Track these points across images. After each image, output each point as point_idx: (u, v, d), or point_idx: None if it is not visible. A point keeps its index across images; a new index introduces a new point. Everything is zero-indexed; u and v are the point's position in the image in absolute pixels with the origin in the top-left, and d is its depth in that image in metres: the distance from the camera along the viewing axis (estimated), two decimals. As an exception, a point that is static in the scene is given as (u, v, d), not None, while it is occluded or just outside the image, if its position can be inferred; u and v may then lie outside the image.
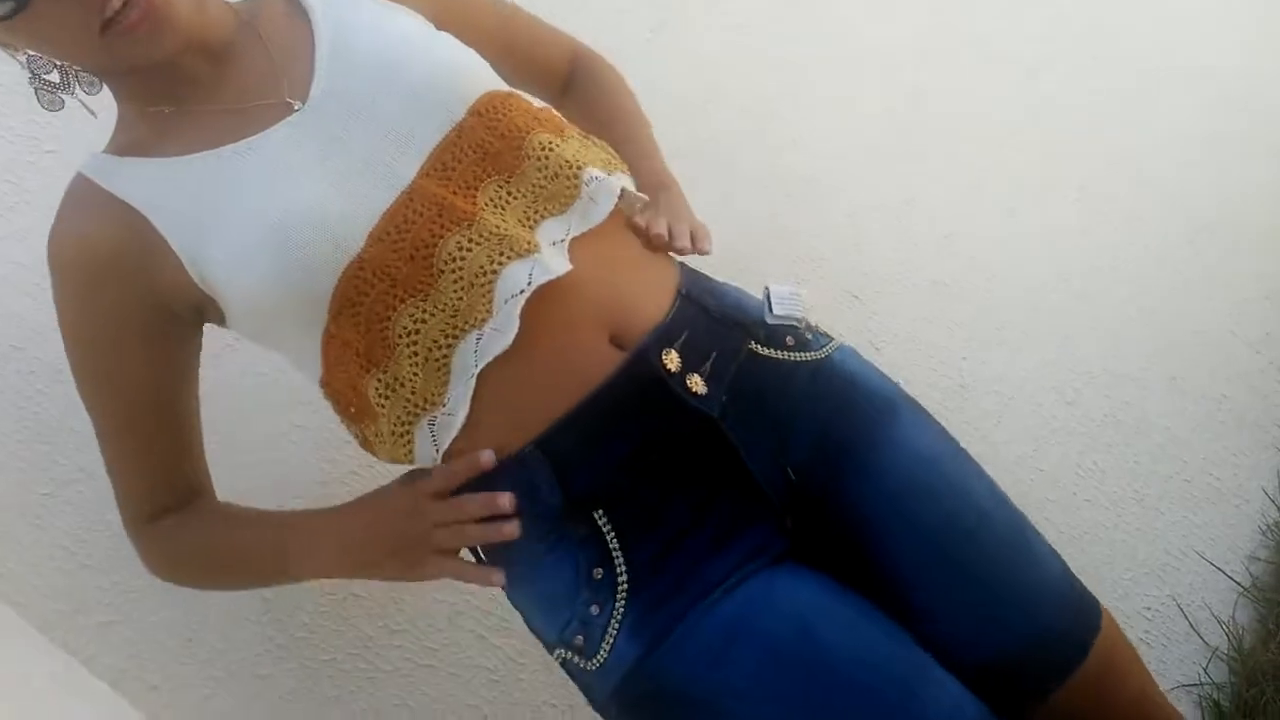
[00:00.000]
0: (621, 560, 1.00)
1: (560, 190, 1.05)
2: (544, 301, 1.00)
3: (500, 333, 0.99)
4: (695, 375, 1.03)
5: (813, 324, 1.12)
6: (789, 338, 1.10)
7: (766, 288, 1.09)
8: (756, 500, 1.03)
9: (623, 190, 1.09)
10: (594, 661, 1.00)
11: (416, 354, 1.00)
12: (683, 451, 1.02)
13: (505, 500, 1.01)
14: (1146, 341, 2.19)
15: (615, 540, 1.00)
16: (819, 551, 1.06)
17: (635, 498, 1.01)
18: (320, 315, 1.01)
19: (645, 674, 0.98)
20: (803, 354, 1.09)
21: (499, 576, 1.04)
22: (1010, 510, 1.11)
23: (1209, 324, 2.26)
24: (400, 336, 1.00)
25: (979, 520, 1.07)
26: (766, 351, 1.08)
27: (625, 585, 0.99)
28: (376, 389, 1.02)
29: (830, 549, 1.06)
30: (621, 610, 0.99)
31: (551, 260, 1.01)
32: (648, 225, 1.09)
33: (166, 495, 1.12)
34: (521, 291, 0.99)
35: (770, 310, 1.08)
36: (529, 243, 1.01)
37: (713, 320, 1.07)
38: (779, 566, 1.02)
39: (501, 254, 1.00)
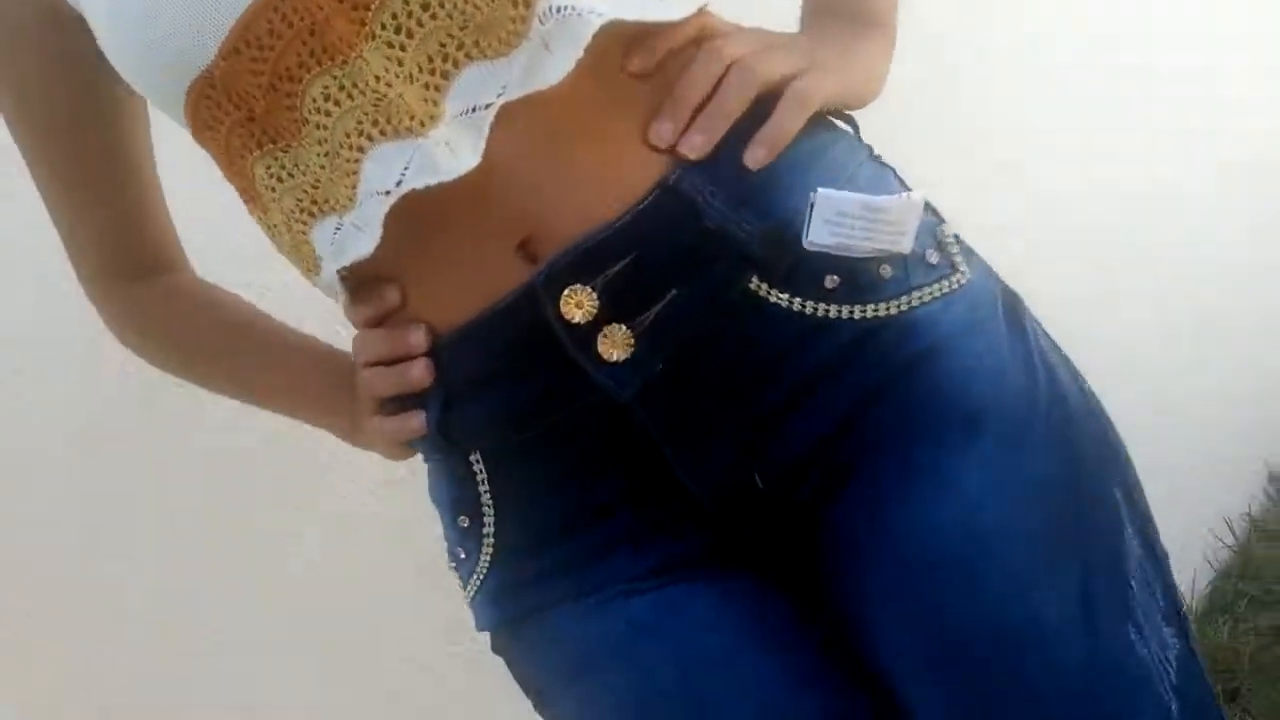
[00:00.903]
0: (491, 522, 0.79)
1: (498, 20, 0.67)
2: (435, 191, 0.68)
3: (360, 232, 0.70)
4: (618, 328, 0.70)
5: (906, 250, 0.73)
6: (832, 276, 0.72)
7: (813, 194, 0.71)
8: (686, 509, 0.75)
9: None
10: (465, 595, 0.83)
11: (280, 214, 0.75)
12: (581, 431, 0.73)
13: (416, 338, 0.76)
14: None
15: (489, 496, 0.78)
16: (797, 564, 0.77)
17: (521, 463, 0.77)
18: (183, 122, 0.75)
19: (501, 641, 0.82)
20: (849, 306, 0.72)
21: (417, 420, 0.79)
22: (1109, 644, 0.71)
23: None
24: (261, 189, 0.74)
25: (1020, 645, 0.71)
26: (776, 297, 0.71)
27: (490, 548, 0.79)
28: (260, 220, 0.79)
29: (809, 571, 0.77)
30: (483, 573, 0.80)
31: (441, 151, 0.67)
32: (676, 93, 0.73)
33: (125, 252, 0.92)
34: (388, 192, 0.68)
35: (807, 231, 0.70)
36: (414, 115, 0.67)
37: (701, 234, 0.70)
38: (696, 585, 0.76)
39: (375, 124, 0.68)
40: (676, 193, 0.70)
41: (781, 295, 0.71)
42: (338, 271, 0.74)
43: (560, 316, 0.70)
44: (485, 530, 0.78)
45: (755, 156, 0.71)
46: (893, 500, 0.72)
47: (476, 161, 0.67)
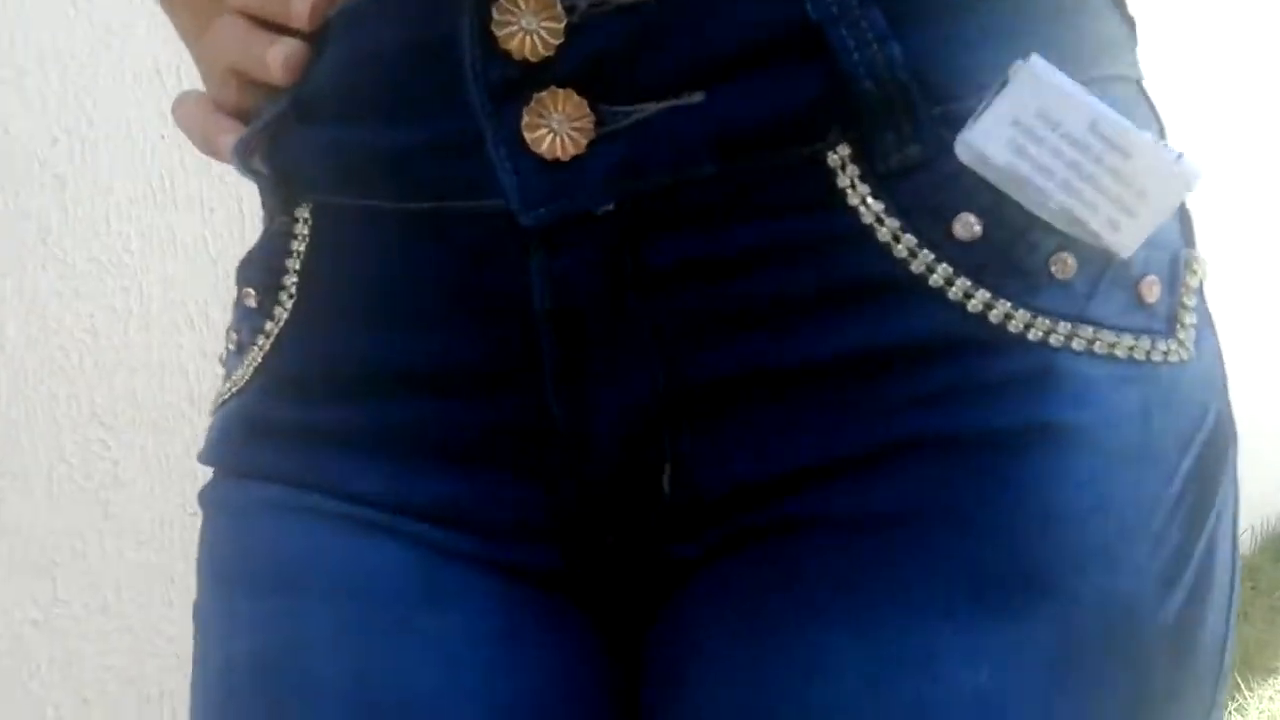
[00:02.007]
0: (283, 317, 0.48)
1: None
2: None
3: None
4: (576, 101, 0.40)
5: (1122, 253, 0.39)
6: (970, 219, 0.39)
7: (1019, 62, 0.37)
8: (547, 456, 0.44)
9: None
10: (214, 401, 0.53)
11: None
12: (464, 242, 0.43)
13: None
14: None
15: (296, 279, 0.47)
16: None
17: (358, 251, 0.46)
18: None
19: (206, 492, 0.52)
20: (972, 285, 0.39)
21: (222, 141, 0.49)
22: None
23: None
24: None
25: None
26: (864, 202, 0.39)
27: (264, 352, 0.49)
28: None
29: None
30: (241, 382, 0.50)
31: None
32: None
33: None
34: None
35: (974, 121, 0.37)
36: None
37: (790, 25, 0.38)
38: (471, 575, 0.46)
39: None
40: None
41: (875, 204, 0.39)
42: None
43: (486, 31, 0.39)
44: (270, 325, 0.48)
45: None
46: (851, 615, 0.40)
47: None
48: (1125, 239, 0.39)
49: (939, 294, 0.39)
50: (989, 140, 0.37)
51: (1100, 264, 0.40)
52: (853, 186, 0.39)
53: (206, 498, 0.52)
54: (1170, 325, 0.42)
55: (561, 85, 0.39)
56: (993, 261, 0.39)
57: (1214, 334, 0.45)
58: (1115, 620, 0.40)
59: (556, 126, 0.39)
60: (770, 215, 0.40)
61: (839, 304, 0.40)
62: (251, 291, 0.49)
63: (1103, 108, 0.37)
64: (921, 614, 0.40)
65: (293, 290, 0.47)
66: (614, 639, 0.47)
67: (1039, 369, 0.40)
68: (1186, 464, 0.42)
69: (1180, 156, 0.38)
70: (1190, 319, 0.42)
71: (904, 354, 0.40)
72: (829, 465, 0.41)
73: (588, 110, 0.39)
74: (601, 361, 0.41)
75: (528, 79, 0.39)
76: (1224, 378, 0.45)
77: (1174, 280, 0.42)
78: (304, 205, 0.47)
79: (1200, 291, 0.44)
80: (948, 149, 0.39)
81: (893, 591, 0.40)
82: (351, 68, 0.43)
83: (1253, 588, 2.75)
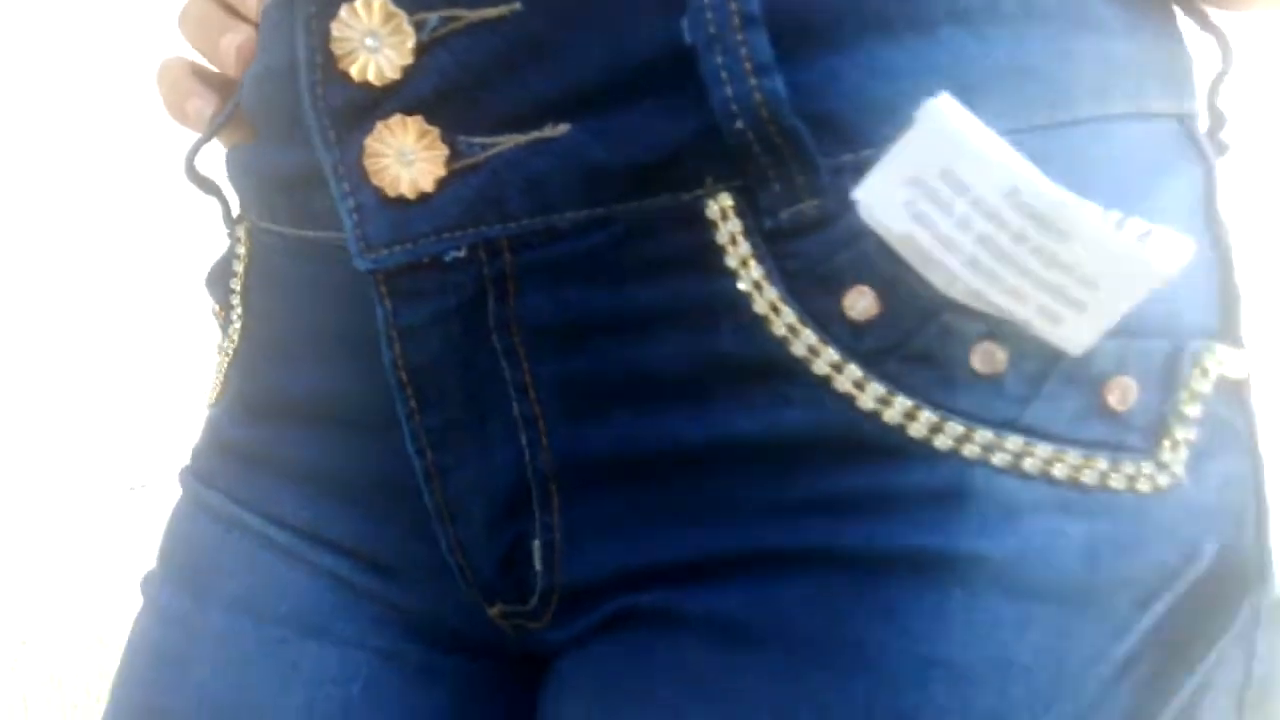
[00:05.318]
0: (236, 334, 0.45)
1: None
2: None
3: None
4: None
5: (1073, 350, 0.31)
6: (865, 293, 0.31)
7: (926, 102, 0.29)
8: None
9: None
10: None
11: None
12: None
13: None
14: None
15: (239, 299, 0.44)
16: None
17: (279, 283, 0.43)
18: None
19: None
20: (868, 379, 0.31)
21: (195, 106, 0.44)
22: None
23: None
24: None
25: None
26: (742, 263, 0.32)
27: (226, 365, 0.46)
28: None
29: None
30: (216, 390, 0.47)
31: None
32: None
33: None
34: None
35: (869, 176, 0.30)
36: None
37: (666, 45, 0.32)
38: (360, 611, 0.43)
39: None
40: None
41: (755, 267, 0.32)
42: None
43: (326, 51, 0.35)
44: (227, 343, 0.47)
45: None
46: None
47: None
48: (1071, 334, 0.30)
49: (824, 383, 0.32)
50: (881, 202, 0.29)
51: (1045, 359, 0.31)
52: (733, 244, 0.32)
53: (180, 480, 0.51)
54: (1151, 441, 0.32)
55: (409, 113, 0.34)
56: (893, 348, 0.31)
57: (1240, 452, 0.35)
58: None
59: (403, 159, 0.34)
60: (646, 273, 0.33)
61: (712, 384, 0.33)
62: (216, 307, 0.48)
63: (1027, 172, 0.28)
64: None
65: (239, 312, 0.45)
66: (513, 703, 0.43)
67: (945, 486, 0.32)
68: (1148, 618, 0.33)
69: (1148, 235, 0.29)
70: (1187, 433, 0.33)
71: (781, 451, 0.33)
72: (697, 563, 0.35)
73: (439, 142, 0.34)
74: (462, 427, 0.37)
75: (372, 105, 0.34)
76: (1244, 508, 0.35)
77: (1169, 382, 0.33)
78: (240, 225, 0.44)
79: (1222, 397, 0.34)
80: (853, 207, 0.31)
81: (749, 715, 0.34)
82: (253, 86, 0.40)
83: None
